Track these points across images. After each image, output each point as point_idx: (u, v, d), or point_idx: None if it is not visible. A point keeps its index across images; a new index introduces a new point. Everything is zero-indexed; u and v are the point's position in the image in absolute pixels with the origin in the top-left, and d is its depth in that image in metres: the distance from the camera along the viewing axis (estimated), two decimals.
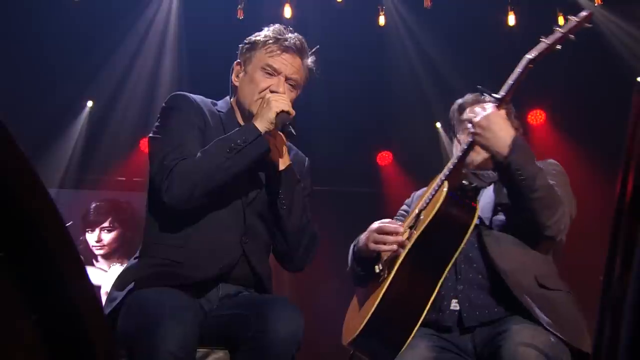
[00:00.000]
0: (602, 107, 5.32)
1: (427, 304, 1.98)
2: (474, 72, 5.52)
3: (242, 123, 2.06)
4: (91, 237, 5.68)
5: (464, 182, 2.15)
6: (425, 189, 2.40)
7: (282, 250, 2.06)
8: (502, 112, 2.04)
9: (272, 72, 1.99)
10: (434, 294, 1.99)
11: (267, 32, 2.05)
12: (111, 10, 5.29)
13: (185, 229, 1.90)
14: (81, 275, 0.46)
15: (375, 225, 2.14)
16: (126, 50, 5.62)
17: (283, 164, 1.97)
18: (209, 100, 2.10)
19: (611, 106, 4.96)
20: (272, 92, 1.97)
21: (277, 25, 2.07)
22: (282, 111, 1.87)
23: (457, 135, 2.35)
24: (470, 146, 2.08)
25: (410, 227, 2.13)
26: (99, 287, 5.27)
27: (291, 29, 2.10)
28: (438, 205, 2.00)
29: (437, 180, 2.14)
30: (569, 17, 2.07)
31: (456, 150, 2.32)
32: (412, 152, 6.42)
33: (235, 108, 2.09)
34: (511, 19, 5.20)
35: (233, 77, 2.10)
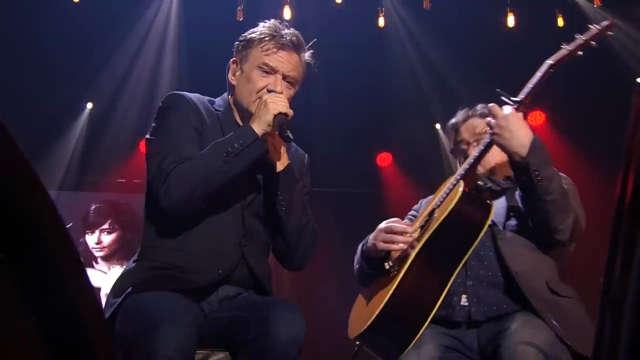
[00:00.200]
0: (601, 108, 5.32)
1: (437, 301, 1.99)
2: (473, 73, 5.53)
3: (239, 122, 2.04)
4: (91, 239, 5.67)
5: (479, 182, 2.17)
6: (432, 196, 2.42)
7: (281, 250, 2.05)
8: (521, 114, 2.06)
9: (269, 71, 1.95)
10: (444, 291, 2.00)
11: (262, 28, 2.00)
12: (111, 11, 5.29)
13: (184, 232, 1.88)
14: (81, 276, 0.46)
15: (384, 224, 2.15)
16: (126, 52, 5.62)
17: (282, 164, 1.94)
18: (206, 98, 2.08)
19: (611, 107, 4.97)
20: (269, 91, 1.94)
21: (272, 21, 2.02)
22: (280, 113, 1.85)
23: (458, 158, 2.38)
24: (489, 146, 2.10)
25: (422, 227, 2.14)
26: (98, 289, 5.26)
27: (287, 24, 2.06)
28: (454, 202, 2.01)
29: (452, 180, 2.15)
30: (590, 25, 2.12)
31: (459, 165, 2.36)
32: (411, 154, 6.43)
33: (233, 106, 2.06)
34: (510, 21, 5.20)
35: (230, 75, 2.06)
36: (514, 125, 1.99)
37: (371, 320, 2.01)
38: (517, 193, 2.12)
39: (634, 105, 0.67)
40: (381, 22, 5.44)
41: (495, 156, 2.22)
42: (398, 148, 6.61)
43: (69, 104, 5.82)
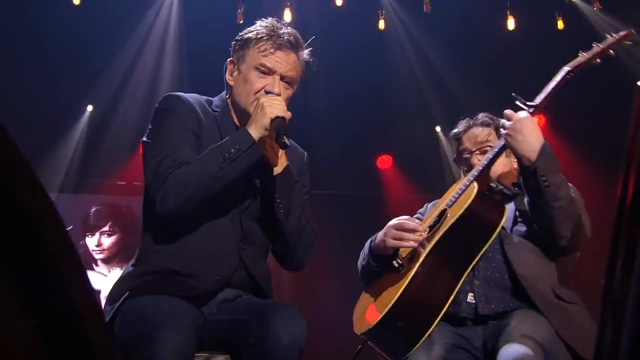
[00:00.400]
0: (601, 110, 5.32)
1: (448, 299, 2.00)
2: (473, 76, 5.54)
3: (237, 122, 2.02)
4: (91, 242, 5.66)
5: (491, 184, 2.18)
6: (438, 200, 2.43)
7: (280, 251, 2.05)
8: (536, 118, 2.09)
9: (267, 71, 1.93)
10: (455, 291, 2.01)
11: (259, 28, 1.97)
12: (111, 13, 5.30)
13: (182, 237, 1.87)
14: (81, 278, 0.46)
15: (394, 221, 2.15)
16: (126, 54, 5.62)
17: (280, 166, 1.92)
18: (204, 97, 2.05)
19: (611, 109, 4.97)
20: (267, 92, 1.91)
21: (269, 20, 2.00)
22: (277, 117, 1.82)
23: (462, 167, 2.39)
24: (502, 149, 2.12)
25: (431, 227, 2.14)
26: (98, 292, 5.26)
27: (285, 22, 2.03)
28: (468, 202, 2.02)
29: (464, 181, 2.17)
30: (608, 34, 2.17)
31: (462, 173, 2.38)
32: (411, 156, 6.43)
33: (231, 107, 2.04)
34: (510, 23, 5.21)
35: (227, 75, 2.03)
36: (528, 129, 2.01)
37: (381, 316, 2.01)
38: (526, 199, 2.13)
39: (634, 107, 0.67)
40: (381, 24, 5.45)
41: (500, 166, 2.24)
42: (398, 150, 6.61)
43: (69, 107, 5.82)
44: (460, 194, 2.12)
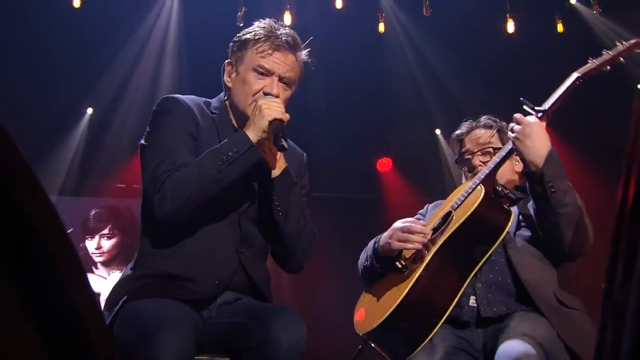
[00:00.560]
0: (601, 113, 5.33)
1: (452, 302, 2.00)
2: (473, 79, 5.55)
3: (235, 124, 2.01)
4: (91, 244, 5.66)
5: (497, 188, 2.18)
6: (439, 201, 2.43)
7: (280, 253, 2.04)
8: (544, 124, 2.08)
9: (265, 73, 1.92)
10: (459, 293, 2.01)
11: (257, 29, 1.96)
12: (111, 17, 5.30)
13: (180, 240, 1.86)
14: (82, 280, 0.46)
15: (399, 223, 2.15)
16: (126, 57, 5.63)
17: (278, 168, 1.91)
18: (202, 99, 2.04)
19: (611, 112, 4.97)
20: (265, 93, 1.90)
21: (267, 21, 1.98)
22: (275, 119, 1.81)
23: (463, 168, 2.39)
24: (510, 152, 2.12)
25: (434, 229, 2.14)
26: (98, 294, 5.25)
27: (282, 23, 2.02)
28: (475, 205, 2.02)
29: (470, 183, 2.16)
30: (618, 42, 2.17)
31: (463, 175, 2.38)
32: (411, 159, 6.43)
33: (229, 108, 2.03)
34: (510, 26, 5.21)
35: (225, 77, 2.02)
36: (537, 134, 2.01)
37: (384, 317, 2.01)
38: (530, 204, 2.13)
39: (635, 110, 0.67)
40: (381, 27, 5.46)
41: (504, 168, 2.24)
42: (398, 153, 6.62)
43: (69, 109, 5.83)
44: (467, 197, 2.11)
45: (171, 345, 1.55)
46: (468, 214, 2.01)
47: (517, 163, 2.30)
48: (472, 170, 2.32)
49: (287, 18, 4.96)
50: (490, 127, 2.37)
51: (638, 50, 2.15)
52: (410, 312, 2.01)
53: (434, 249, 2.04)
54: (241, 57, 1.96)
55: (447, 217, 2.13)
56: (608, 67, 2.14)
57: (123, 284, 1.87)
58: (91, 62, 5.46)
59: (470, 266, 2.04)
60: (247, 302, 1.91)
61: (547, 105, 2.11)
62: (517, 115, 2.08)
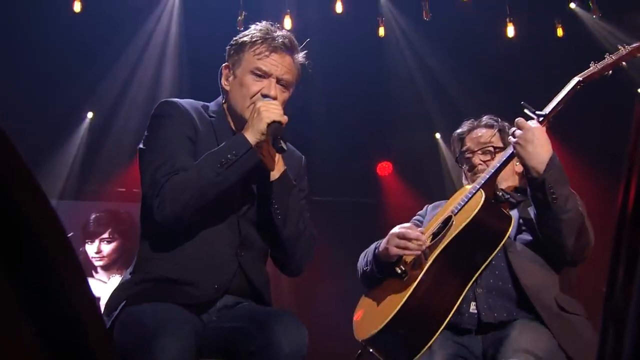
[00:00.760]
0: (601, 116, 5.33)
1: (452, 308, 1.99)
2: (473, 83, 5.55)
3: (233, 128, 2.02)
4: (91, 248, 5.65)
5: (497, 193, 2.17)
6: (440, 202, 2.43)
7: (279, 256, 2.04)
8: (545, 128, 2.07)
9: (263, 75, 1.93)
10: (460, 299, 2.00)
11: (254, 31, 1.97)
12: (112, 21, 5.32)
13: (180, 244, 1.86)
14: (81, 282, 0.46)
15: (397, 230, 2.15)
16: (127, 61, 5.64)
17: (277, 171, 1.91)
18: (200, 103, 2.05)
19: (611, 115, 4.98)
20: (263, 95, 1.91)
21: (263, 23, 2.00)
22: (274, 121, 1.82)
23: (463, 167, 2.38)
24: (510, 157, 2.11)
25: (434, 234, 2.14)
26: (98, 298, 5.24)
27: (279, 25, 2.03)
28: (476, 210, 2.01)
29: (470, 188, 2.15)
30: (620, 46, 2.15)
31: (464, 175, 2.37)
32: (411, 163, 6.44)
33: (227, 112, 2.04)
34: (510, 31, 5.22)
35: (222, 80, 2.03)
36: (538, 140, 1.99)
37: (384, 323, 2.00)
38: (531, 207, 2.12)
39: (635, 113, 0.67)
40: (381, 31, 5.47)
41: (505, 172, 2.23)
42: (398, 157, 6.62)
43: (69, 113, 5.83)
44: (467, 202, 2.10)
45: (171, 350, 1.55)
46: (468, 220, 2.00)
47: (517, 164, 2.30)
48: (472, 169, 2.32)
49: (287, 22, 4.97)
50: (491, 126, 2.37)
51: None
52: (410, 318, 2.00)
53: (433, 255, 2.03)
54: (238, 60, 1.98)
55: (447, 222, 2.12)
56: (610, 72, 2.12)
57: (123, 288, 1.86)
58: (92, 66, 5.47)
59: (470, 272, 2.02)
60: (247, 306, 1.91)
61: (548, 109, 2.09)
62: (519, 120, 2.06)
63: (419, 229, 2.20)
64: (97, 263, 5.62)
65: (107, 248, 5.63)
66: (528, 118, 2.10)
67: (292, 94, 2.04)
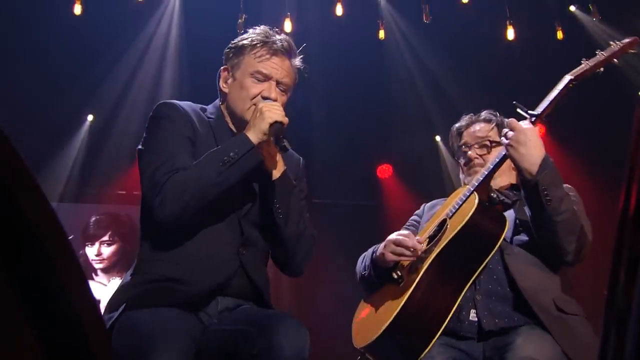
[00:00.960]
0: (601, 119, 5.33)
1: (449, 313, 1.98)
2: (473, 86, 5.56)
3: (232, 129, 2.03)
4: (91, 251, 5.64)
5: (492, 195, 2.16)
6: (436, 201, 2.42)
7: (280, 257, 2.04)
8: (538, 129, 2.06)
9: (263, 78, 1.96)
10: (457, 303, 1.99)
11: (253, 35, 2.00)
12: (112, 24, 5.32)
13: (181, 244, 1.86)
14: (82, 284, 0.46)
15: (393, 237, 2.14)
16: (127, 63, 5.64)
17: (278, 171, 1.92)
18: (198, 105, 2.06)
19: (611, 119, 4.97)
20: (264, 98, 1.93)
21: (262, 27, 2.03)
22: (276, 122, 1.84)
23: (460, 160, 2.38)
24: (503, 159, 2.09)
25: (430, 237, 2.13)
26: (98, 301, 5.24)
27: (277, 29, 2.06)
28: (470, 214, 2.00)
29: (464, 191, 2.14)
30: (612, 42, 2.11)
31: (461, 171, 2.36)
32: (411, 165, 6.44)
33: (226, 113, 2.05)
34: (510, 33, 5.23)
35: (221, 83, 2.05)
36: (531, 141, 1.97)
37: (381, 330, 2.00)
38: (527, 207, 2.11)
39: (636, 116, 0.67)
40: (382, 34, 5.47)
41: (502, 177, 2.22)
42: (398, 159, 6.62)
43: (69, 116, 5.83)
44: (461, 205, 2.09)
45: None
46: (462, 224, 2.00)
47: None
48: (468, 163, 2.31)
49: (288, 25, 4.97)
50: (489, 120, 2.37)
51: (632, 51, 2.10)
52: (407, 324, 1.99)
53: (429, 260, 2.03)
54: (238, 63, 2.00)
55: (442, 225, 2.12)
56: (602, 69, 2.09)
57: (122, 290, 1.86)
58: (92, 68, 5.47)
59: (466, 276, 2.01)
60: (248, 309, 1.91)
61: (540, 109, 2.07)
62: (511, 121, 2.05)
63: (416, 237, 2.18)
64: (97, 266, 5.61)
65: (107, 251, 5.62)
66: (521, 118, 2.09)
67: (290, 97, 2.06)
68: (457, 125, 2.44)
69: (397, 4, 5.66)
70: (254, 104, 1.93)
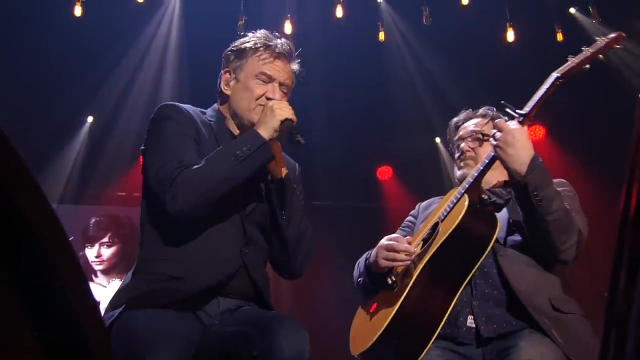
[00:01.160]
0: (601, 122, 5.34)
1: (443, 317, 1.98)
2: (473, 88, 5.56)
3: (233, 131, 2.05)
4: (90, 253, 5.65)
5: (483, 196, 2.15)
6: (432, 200, 2.42)
7: (281, 259, 2.05)
8: (526, 129, 2.04)
9: (267, 79, 2.00)
10: (451, 306, 1.98)
11: (254, 38, 2.05)
12: (112, 25, 5.33)
13: (184, 243, 1.86)
14: (82, 284, 0.46)
15: (384, 242, 2.14)
16: (127, 65, 5.65)
17: (281, 172, 1.95)
18: (198, 109, 2.08)
19: (610, 121, 4.98)
20: (267, 99, 1.97)
21: (262, 31, 2.08)
22: (286, 119, 1.87)
23: (454, 154, 2.38)
24: (492, 160, 2.07)
25: (424, 240, 2.12)
26: (98, 303, 5.24)
27: (277, 34, 2.10)
28: (460, 217, 1.99)
29: (456, 193, 2.13)
30: (598, 37, 2.07)
31: (455, 166, 2.36)
32: (411, 167, 6.44)
33: (226, 116, 2.07)
34: (510, 35, 5.23)
35: (222, 85, 2.07)
36: (519, 142, 1.96)
37: (376, 337, 1.99)
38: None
39: (637, 117, 0.67)
40: (381, 36, 5.47)
41: (494, 175, 2.21)
42: (398, 161, 6.62)
43: (69, 118, 5.84)
44: (452, 207, 2.08)
45: None
46: (452, 228, 1.99)
47: None
48: (460, 156, 2.31)
49: (288, 27, 4.98)
50: (484, 115, 2.38)
51: (617, 46, 2.07)
52: (402, 329, 1.99)
53: (421, 264, 2.02)
54: (240, 66, 2.03)
55: (435, 228, 2.11)
56: (588, 66, 2.05)
57: (123, 291, 1.86)
58: (92, 70, 5.48)
59: (459, 279, 2.00)
60: (249, 310, 1.91)
61: (527, 108, 2.04)
62: (499, 122, 2.04)
63: (407, 238, 2.18)
64: (96, 267, 5.62)
65: (106, 252, 5.63)
66: (509, 117, 2.08)
67: (289, 99, 2.08)
68: (455, 119, 2.45)
69: (397, 6, 5.66)
70: (259, 105, 1.97)
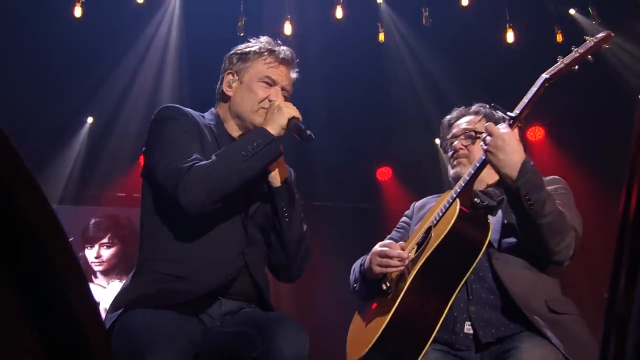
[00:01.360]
0: (600, 123, 5.34)
1: (439, 320, 1.98)
2: (473, 88, 5.56)
3: (231, 133, 2.07)
4: (90, 253, 5.65)
5: (475, 200, 2.14)
6: (427, 199, 2.42)
7: (280, 261, 2.06)
8: (516, 132, 2.04)
9: (271, 83, 2.05)
10: (445, 311, 1.98)
11: (259, 43, 2.11)
12: (112, 26, 5.33)
13: (187, 243, 1.88)
14: (82, 285, 0.46)
15: (377, 248, 2.14)
16: (127, 66, 5.65)
17: (283, 175, 1.99)
18: (197, 112, 2.10)
19: (610, 122, 4.98)
20: (270, 101, 2.01)
21: (265, 37, 2.13)
22: (294, 117, 1.92)
23: (448, 152, 2.38)
24: (483, 164, 2.06)
25: (418, 244, 2.12)
26: (97, 303, 5.23)
27: (279, 41, 2.16)
28: (452, 222, 1.98)
29: (448, 197, 2.12)
30: (586, 37, 2.05)
31: (448, 165, 2.36)
32: (411, 168, 6.44)
33: (225, 119, 2.10)
34: (510, 36, 5.24)
35: (224, 87, 2.10)
36: (510, 146, 1.95)
37: (371, 344, 1.99)
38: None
39: (636, 119, 0.67)
40: (381, 37, 5.48)
41: (487, 178, 2.21)
42: (397, 162, 6.63)
43: (69, 118, 5.84)
44: (445, 212, 2.08)
45: None
46: (444, 233, 1.99)
47: None
48: (453, 154, 2.31)
49: (288, 28, 4.98)
50: (477, 112, 2.37)
51: (606, 46, 2.05)
52: (397, 334, 1.99)
53: (415, 269, 2.02)
54: (245, 68, 2.08)
55: (428, 232, 2.11)
56: (577, 67, 2.03)
57: (125, 292, 1.87)
58: (92, 70, 5.48)
59: (453, 284, 2.00)
60: (250, 312, 1.92)
61: (517, 110, 2.03)
62: (489, 125, 2.02)
63: (401, 243, 2.17)
64: (96, 268, 5.61)
65: (106, 253, 5.63)
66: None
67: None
68: (447, 117, 2.45)
69: (397, 7, 5.67)
70: (262, 107, 2.02)
